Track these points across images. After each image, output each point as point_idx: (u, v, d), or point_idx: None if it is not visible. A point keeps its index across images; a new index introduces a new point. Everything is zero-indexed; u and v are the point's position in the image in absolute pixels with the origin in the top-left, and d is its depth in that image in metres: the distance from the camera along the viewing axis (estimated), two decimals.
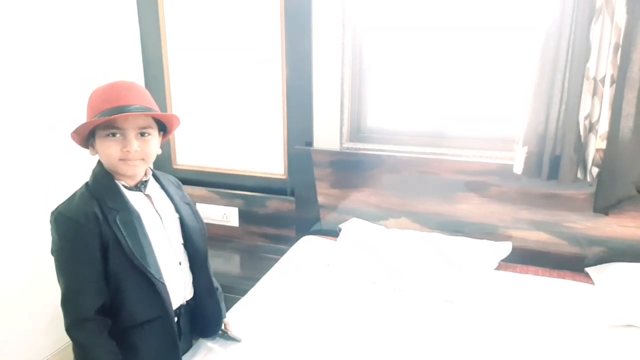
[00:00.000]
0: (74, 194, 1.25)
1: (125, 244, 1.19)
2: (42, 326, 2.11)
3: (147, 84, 2.59)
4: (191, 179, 2.64)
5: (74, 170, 2.04)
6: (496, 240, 2.07)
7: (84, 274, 1.19)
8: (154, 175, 1.38)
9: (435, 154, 2.16)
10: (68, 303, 1.20)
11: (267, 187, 2.55)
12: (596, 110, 1.81)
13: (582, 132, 1.83)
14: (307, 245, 2.25)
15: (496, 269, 1.96)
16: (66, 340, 1.80)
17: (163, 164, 2.67)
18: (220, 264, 2.39)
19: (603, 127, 1.81)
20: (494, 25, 2.06)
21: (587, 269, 1.97)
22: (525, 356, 1.48)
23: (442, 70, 2.18)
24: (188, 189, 1.51)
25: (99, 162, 1.27)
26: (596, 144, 1.83)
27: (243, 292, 1.86)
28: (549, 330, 1.60)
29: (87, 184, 1.27)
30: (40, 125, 2.03)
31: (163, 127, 1.34)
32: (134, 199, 1.27)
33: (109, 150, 1.21)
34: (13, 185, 1.96)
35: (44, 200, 1.94)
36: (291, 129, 2.43)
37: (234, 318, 1.60)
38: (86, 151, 1.28)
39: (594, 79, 1.77)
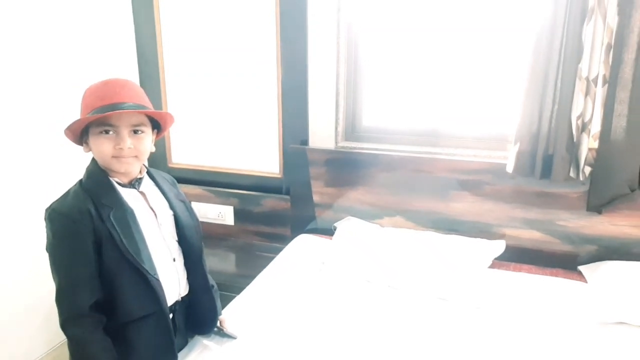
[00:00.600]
0: (68, 191, 1.26)
1: (119, 241, 1.19)
2: (37, 324, 2.11)
3: (142, 83, 2.59)
4: (186, 177, 2.65)
5: (68, 168, 2.03)
6: (490, 238, 2.08)
7: (78, 271, 1.20)
8: (149, 173, 1.38)
9: (429, 153, 2.17)
10: (62, 299, 1.21)
11: (263, 185, 2.55)
12: (589, 110, 1.83)
13: (574, 132, 1.85)
14: (303, 244, 2.26)
15: (490, 267, 1.97)
16: (61, 338, 1.79)
17: (158, 162, 2.67)
18: (216, 262, 2.39)
19: (595, 127, 1.83)
20: (488, 25, 2.07)
21: (580, 267, 1.99)
22: (519, 353, 1.49)
23: (436, 69, 2.19)
24: (183, 188, 1.51)
25: (93, 159, 1.28)
26: (589, 143, 1.85)
27: (238, 290, 1.86)
28: (542, 328, 1.62)
29: (81, 181, 1.27)
30: (34, 122, 2.03)
31: (157, 125, 1.34)
32: (128, 196, 1.27)
33: (102, 147, 1.21)
34: (6, 183, 1.95)
35: (38, 197, 1.93)
36: (286, 127, 2.43)
37: (229, 315, 1.61)
38: (80, 148, 1.29)
39: (587, 78, 1.79)
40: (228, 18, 2.38)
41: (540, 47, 1.81)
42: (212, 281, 1.51)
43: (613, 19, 1.73)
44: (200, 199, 2.61)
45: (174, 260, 1.36)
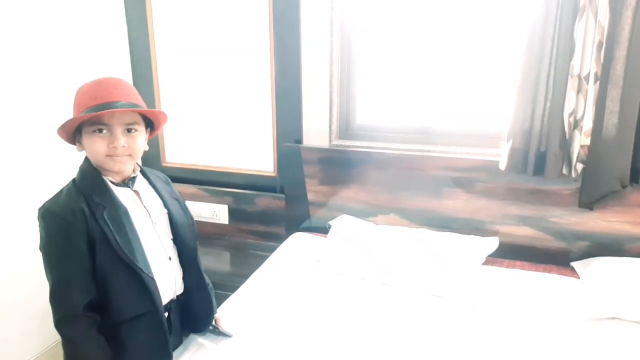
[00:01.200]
0: (61, 190, 1.25)
1: (113, 239, 1.19)
2: (32, 323, 2.10)
3: (135, 82, 2.58)
4: (180, 176, 2.64)
5: (61, 166, 2.03)
6: (483, 235, 2.09)
7: (72, 270, 1.19)
8: (142, 172, 1.38)
9: (423, 150, 2.18)
10: (56, 299, 1.20)
11: (257, 184, 2.55)
12: (580, 107, 1.84)
13: (566, 129, 1.86)
14: (297, 242, 2.26)
15: (483, 263, 1.98)
16: (56, 337, 1.79)
17: (152, 161, 2.66)
18: (210, 261, 2.39)
19: (587, 124, 1.84)
20: (480, 23, 2.08)
21: (573, 263, 2.00)
22: (513, 349, 1.50)
23: (429, 67, 2.20)
24: (177, 187, 1.51)
25: (86, 158, 1.27)
26: (580, 140, 1.86)
27: (233, 289, 1.86)
28: (535, 324, 1.63)
29: (74, 180, 1.26)
30: (27, 121, 2.02)
31: (150, 124, 1.34)
32: (121, 194, 1.27)
33: (95, 146, 1.21)
34: (0, 182, 1.94)
35: (31, 196, 1.92)
36: (280, 126, 2.43)
37: (224, 314, 1.61)
38: (73, 147, 1.28)
39: (578, 76, 1.80)
40: (221, 16, 2.38)
41: (532, 45, 1.82)
42: (207, 280, 1.51)
43: (604, 17, 1.74)
44: (194, 198, 2.61)
45: (170, 259, 1.36)
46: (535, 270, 1.99)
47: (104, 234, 1.19)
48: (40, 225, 1.21)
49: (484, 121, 2.16)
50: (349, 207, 2.32)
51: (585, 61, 1.79)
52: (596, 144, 1.84)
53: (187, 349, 1.47)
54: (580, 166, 1.89)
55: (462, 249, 1.98)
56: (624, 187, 1.87)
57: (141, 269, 1.22)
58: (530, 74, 1.84)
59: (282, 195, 2.47)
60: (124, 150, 1.23)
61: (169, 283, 1.35)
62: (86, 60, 2.27)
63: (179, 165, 2.67)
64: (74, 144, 1.27)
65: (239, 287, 1.87)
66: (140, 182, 1.35)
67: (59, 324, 1.20)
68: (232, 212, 2.59)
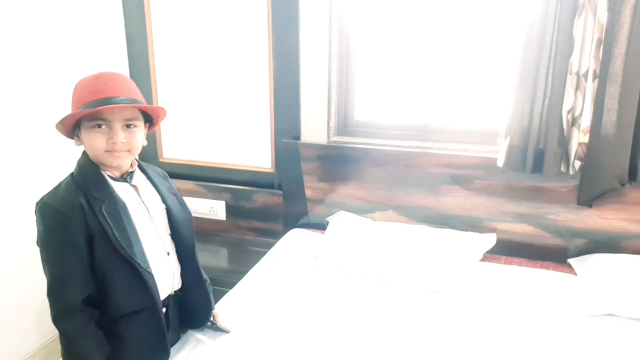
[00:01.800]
0: (59, 185, 1.25)
1: (112, 234, 1.19)
2: (29, 318, 2.10)
3: (133, 77, 2.57)
4: (178, 172, 2.63)
5: (59, 161, 2.02)
6: (481, 232, 2.10)
7: (70, 265, 1.19)
8: (140, 167, 1.37)
9: (421, 147, 2.18)
10: (54, 294, 1.20)
11: (255, 180, 2.55)
12: (579, 105, 1.84)
13: (565, 126, 1.87)
14: (295, 239, 2.26)
15: (481, 260, 1.99)
16: (54, 332, 1.78)
17: (149, 157, 2.65)
18: (208, 257, 2.39)
19: (586, 121, 1.85)
20: (479, 19, 2.08)
21: (570, 260, 2.01)
22: (511, 345, 1.51)
23: (428, 64, 2.20)
24: (174, 183, 1.50)
25: (84, 152, 1.27)
26: (579, 137, 1.87)
27: (231, 285, 1.86)
28: (532, 320, 1.63)
29: (72, 174, 1.26)
30: (25, 116, 2.01)
31: (149, 119, 1.33)
32: (119, 189, 1.26)
33: (94, 141, 1.20)
34: None
35: (29, 190, 1.92)
36: (278, 122, 2.43)
37: (222, 310, 1.61)
38: (71, 141, 1.27)
39: (577, 73, 1.80)
40: (219, 12, 2.37)
41: (531, 42, 1.82)
42: (205, 276, 1.51)
43: (603, 14, 1.74)
44: (192, 194, 2.60)
45: (168, 254, 1.35)
46: (533, 267, 1.99)
47: (103, 229, 1.18)
48: (37, 220, 1.20)
49: (483, 118, 2.16)
50: (347, 204, 2.32)
51: (584, 59, 1.79)
52: (594, 142, 1.84)
53: (185, 344, 1.46)
54: (578, 164, 1.89)
55: (460, 246, 1.98)
56: (622, 184, 1.87)
57: (139, 264, 1.22)
58: (529, 71, 1.84)
59: (280, 192, 2.46)
60: (123, 146, 1.22)
61: (167, 278, 1.35)
62: (83, 55, 2.26)
63: (176, 161, 2.67)
64: (72, 138, 1.26)
65: (236, 283, 1.87)
66: (139, 177, 1.34)
67: (57, 319, 1.20)
68: (229, 208, 2.58)
